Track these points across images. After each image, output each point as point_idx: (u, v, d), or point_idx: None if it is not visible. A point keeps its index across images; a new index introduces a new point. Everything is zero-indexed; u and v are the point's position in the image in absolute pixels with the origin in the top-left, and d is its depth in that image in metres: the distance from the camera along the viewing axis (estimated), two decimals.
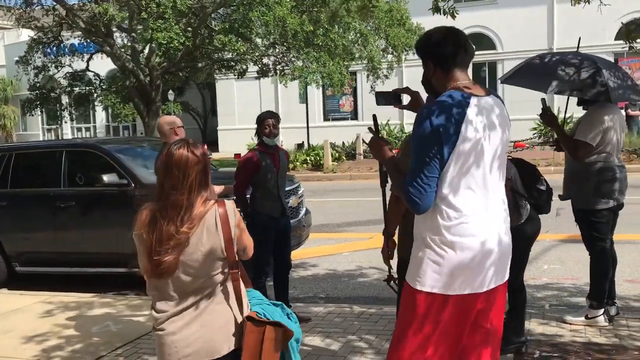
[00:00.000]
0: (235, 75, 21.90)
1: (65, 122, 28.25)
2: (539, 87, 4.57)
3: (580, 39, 5.09)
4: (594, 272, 4.56)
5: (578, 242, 5.15)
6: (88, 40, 22.77)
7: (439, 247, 2.44)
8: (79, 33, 21.23)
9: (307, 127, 23.01)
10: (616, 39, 25.56)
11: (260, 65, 20.04)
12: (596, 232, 4.52)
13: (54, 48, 21.88)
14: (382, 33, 17.58)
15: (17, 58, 22.94)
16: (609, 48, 25.07)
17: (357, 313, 5.28)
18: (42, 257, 7.05)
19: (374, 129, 2.81)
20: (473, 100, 2.45)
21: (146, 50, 20.06)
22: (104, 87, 23.50)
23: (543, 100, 4.49)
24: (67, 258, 6.92)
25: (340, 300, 5.98)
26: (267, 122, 4.75)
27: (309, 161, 17.49)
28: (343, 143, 23.10)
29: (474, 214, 2.45)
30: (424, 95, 2.84)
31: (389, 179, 2.72)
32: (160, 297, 2.39)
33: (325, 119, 29.98)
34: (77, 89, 23.30)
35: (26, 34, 33.18)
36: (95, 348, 4.80)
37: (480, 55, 26.31)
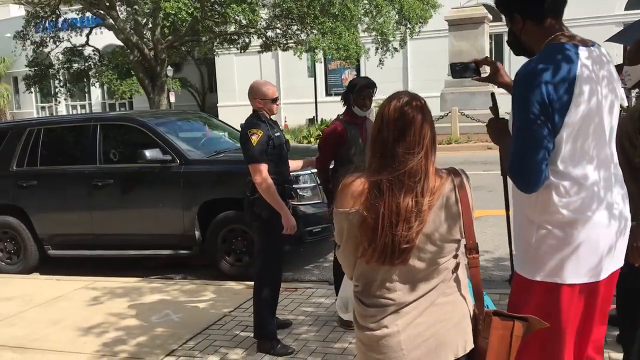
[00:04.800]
0: (237, 50, 21.23)
1: (59, 102, 27.48)
2: None
3: None
4: None
5: None
6: (87, 15, 22.00)
7: (558, 228, 2.10)
8: (78, 7, 20.46)
9: (316, 101, 22.45)
10: (626, 8, 25.13)
11: (264, 39, 19.39)
12: None
13: (52, 22, 21.07)
14: (396, 4, 16.96)
15: (8, 35, 22.10)
16: (618, 18, 24.55)
17: None
18: (77, 240, 6.56)
19: (493, 109, 2.39)
20: (583, 53, 2.06)
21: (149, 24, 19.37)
22: (103, 62, 22.74)
23: None
24: (104, 240, 6.44)
25: None
26: (365, 92, 4.25)
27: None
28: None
29: (595, 187, 2.10)
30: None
31: None
32: (375, 288, 1.92)
33: (328, 93, 29.40)
34: (75, 65, 22.52)
35: (15, 11, 32.26)
36: (163, 341, 4.36)
37: (501, 27, 25.80)
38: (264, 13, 18.17)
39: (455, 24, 17.40)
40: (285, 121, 24.78)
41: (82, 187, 6.38)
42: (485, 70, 2.54)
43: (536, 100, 2.01)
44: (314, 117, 22.24)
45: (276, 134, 4.04)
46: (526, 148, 2.05)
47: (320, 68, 28.31)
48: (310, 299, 5.03)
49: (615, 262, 2.20)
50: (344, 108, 4.38)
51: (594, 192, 2.11)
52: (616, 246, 2.18)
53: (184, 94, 32.60)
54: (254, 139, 3.90)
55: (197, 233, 6.04)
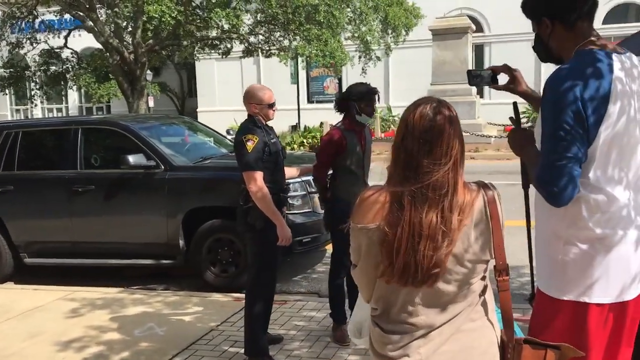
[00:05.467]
0: (219, 55, 20.99)
1: (35, 105, 26.84)
2: None
3: None
4: None
5: None
6: (65, 17, 21.58)
7: (587, 244, 1.99)
8: (56, 8, 20.05)
9: (298, 108, 22.30)
10: (604, 22, 25.47)
11: (246, 45, 19.18)
12: None
13: (28, 23, 20.59)
14: (381, 12, 16.90)
15: None
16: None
17: None
18: (55, 247, 6.28)
19: (514, 119, 2.28)
20: (616, 64, 1.95)
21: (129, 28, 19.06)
22: (82, 65, 22.31)
23: None
24: (84, 248, 6.18)
25: None
26: (372, 99, 4.12)
27: (306, 143, 16.84)
28: (331, 126, 22.46)
29: (626, 203, 1.99)
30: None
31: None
32: (395, 312, 1.75)
33: (310, 101, 29.26)
34: (53, 67, 22.03)
35: None
36: (147, 356, 4.14)
37: (482, 38, 25.94)
38: (246, 18, 17.99)
39: (439, 34, 17.42)
40: None
41: (62, 192, 6.11)
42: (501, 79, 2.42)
43: (570, 110, 1.90)
44: (297, 124, 22.08)
45: (272, 141, 3.87)
46: (558, 159, 1.92)
47: (302, 75, 28.17)
48: (300, 312, 4.84)
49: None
50: (341, 115, 4.22)
51: (625, 209, 2.00)
52: None
53: (163, 99, 32.22)
54: (250, 145, 3.72)
55: (181, 242, 5.82)
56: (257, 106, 3.86)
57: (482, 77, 2.42)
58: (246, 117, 3.93)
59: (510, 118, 2.31)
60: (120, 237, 6.03)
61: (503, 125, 19.42)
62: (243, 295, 5.19)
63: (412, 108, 1.76)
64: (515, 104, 2.34)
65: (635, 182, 2.04)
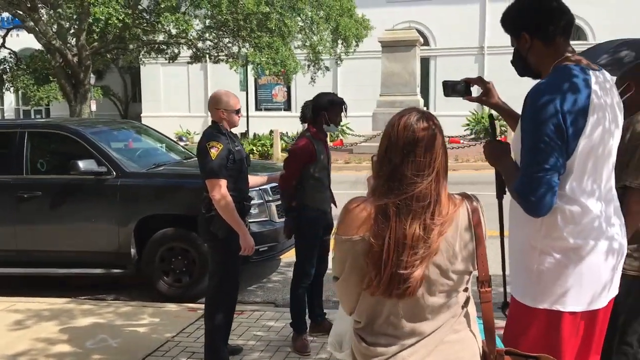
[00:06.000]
0: (166, 60, 20.65)
1: None
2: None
3: None
4: None
5: None
6: (3, 15, 20.77)
7: (562, 254, 2.05)
8: None
9: (247, 116, 22.14)
10: None
11: (194, 50, 18.94)
12: None
13: None
14: (332, 22, 17.03)
15: None
16: None
17: None
18: None
19: (490, 131, 2.34)
20: (592, 79, 2.03)
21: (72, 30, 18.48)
22: (20, 66, 21.47)
23: None
24: (29, 257, 5.90)
25: None
26: (341, 109, 4.15)
27: (255, 151, 16.71)
28: (281, 134, 22.43)
29: (599, 215, 2.06)
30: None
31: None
32: (379, 324, 1.73)
33: (258, 108, 29.10)
34: None
35: None
36: None
37: (428, 52, 26.42)
38: (195, 23, 17.79)
39: (389, 46, 17.66)
40: None
41: (6, 198, 5.83)
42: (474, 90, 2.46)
43: (551, 123, 1.95)
44: (246, 131, 21.94)
45: (237, 148, 3.81)
46: (538, 171, 1.97)
47: (250, 82, 28.01)
48: (259, 322, 4.77)
49: (613, 290, 2.17)
50: (306, 124, 4.22)
51: (597, 220, 2.07)
52: (615, 274, 2.14)
53: (105, 103, 31.38)
54: (214, 152, 3.65)
55: (133, 251, 5.65)
56: (224, 112, 3.80)
57: (456, 89, 2.46)
58: (210, 124, 3.86)
59: (486, 130, 2.36)
60: (69, 245, 5.79)
61: (448, 137, 19.90)
62: (197, 306, 5.14)
63: (395, 118, 1.77)
64: (491, 117, 2.38)
65: (606, 194, 2.11)
